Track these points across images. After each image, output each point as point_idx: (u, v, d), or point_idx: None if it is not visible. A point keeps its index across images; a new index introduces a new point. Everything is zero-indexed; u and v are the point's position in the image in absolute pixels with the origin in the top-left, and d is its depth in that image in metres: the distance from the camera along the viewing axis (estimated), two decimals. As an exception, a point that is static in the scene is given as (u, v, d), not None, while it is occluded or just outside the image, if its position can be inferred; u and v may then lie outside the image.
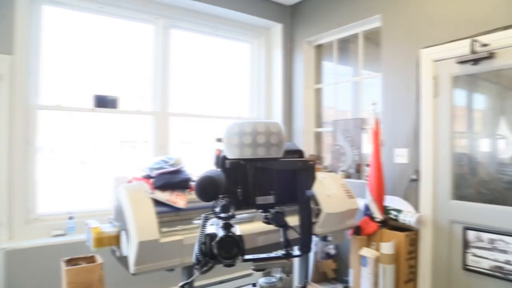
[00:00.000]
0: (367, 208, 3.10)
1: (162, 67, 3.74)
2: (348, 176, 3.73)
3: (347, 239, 3.15)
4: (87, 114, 3.37)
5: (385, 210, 3.07)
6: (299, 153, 0.89)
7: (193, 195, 2.17)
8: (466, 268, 2.78)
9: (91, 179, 3.44)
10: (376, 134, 3.09)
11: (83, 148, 3.44)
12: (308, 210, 0.84)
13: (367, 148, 3.59)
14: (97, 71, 3.44)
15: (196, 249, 0.77)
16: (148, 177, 2.12)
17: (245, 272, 3.72)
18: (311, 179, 0.86)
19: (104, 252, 2.33)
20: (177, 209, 2.07)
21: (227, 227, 0.78)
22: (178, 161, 2.19)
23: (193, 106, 4.02)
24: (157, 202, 2.04)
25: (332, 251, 3.74)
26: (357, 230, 3.06)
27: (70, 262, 2.19)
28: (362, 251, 2.98)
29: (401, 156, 3.20)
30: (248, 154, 0.79)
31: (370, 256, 2.90)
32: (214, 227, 0.81)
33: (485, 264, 2.67)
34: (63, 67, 3.29)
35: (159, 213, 1.99)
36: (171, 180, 2.06)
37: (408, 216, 2.96)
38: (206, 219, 0.79)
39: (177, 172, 2.13)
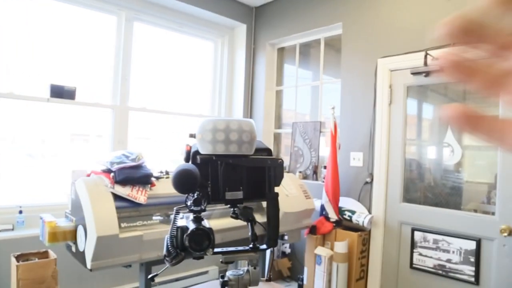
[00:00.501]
0: (323, 208, 3.21)
1: (123, 60, 3.67)
2: (305, 177, 3.83)
3: (302, 238, 3.25)
4: (41, 104, 3.23)
5: (340, 211, 3.19)
6: (268, 151, 0.93)
7: (153, 191, 2.16)
8: (413, 267, 2.95)
9: (42, 172, 3.31)
10: (334, 137, 3.20)
11: (34, 140, 3.30)
12: (276, 206, 0.88)
13: (325, 150, 3.71)
14: (55, 60, 3.32)
15: (167, 241, 0.79)
16: (108, 171, 2.09)
17: (200, 270, 3.73)
18: (280, 176, 0.90)
19: (57, 248, 2.27)
20: (137, 205, 2.05)
21: (198, 220, 0.81)
22: (139, 156, 2.17)
23: (154, 102, 3.97)
24: (117, 197, 2.02)
25: (288, 250, 3.84)
26: (313, 230, 3.16)
27: (21, 257, 2.10)
28: (316, 250, 3.08)
29: (356, 159, 3.34)
30: (220, 150, 0.82)
31: (325, 254, 3.01)
32: (184, 221, 0.84)
33: (429, 263, 2.85)
34: (17, 53, 3.14)
35: (118, 208, 1.97)
36: (132, 175, 2.03)
37: (361, 217, 3.10)
38: (178, 212, 0.81)
39: (138, 167, 2.11)
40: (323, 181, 3.33)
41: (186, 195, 0.80)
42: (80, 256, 1.98)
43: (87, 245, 1.87)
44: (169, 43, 4.11)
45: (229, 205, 0.91)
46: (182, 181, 0.73)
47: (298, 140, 3.97)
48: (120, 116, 3.63)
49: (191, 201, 0.80)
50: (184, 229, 0.79)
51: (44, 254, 2.16)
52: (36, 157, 3.32)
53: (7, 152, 3.18)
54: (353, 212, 3.16)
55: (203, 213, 0.84)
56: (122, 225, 1.96)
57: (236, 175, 0.88)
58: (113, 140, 3.60)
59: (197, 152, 0.86)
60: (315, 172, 3.78)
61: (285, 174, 3.13)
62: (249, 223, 0.88)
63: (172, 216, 0.81)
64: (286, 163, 4.15)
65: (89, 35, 3.51)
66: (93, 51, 3.54)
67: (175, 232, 0.79)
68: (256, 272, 0.86)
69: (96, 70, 3.59)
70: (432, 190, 2.98)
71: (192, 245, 0.77)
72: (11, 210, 3.00)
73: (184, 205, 0.81)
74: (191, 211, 0.81)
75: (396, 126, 3.11)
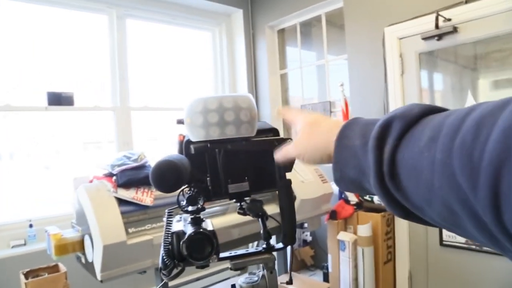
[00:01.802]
0: (341, 191, 3.06)
1: (119, 60, 3.53)
2: (320, 160, 3.67)
3: (323, 224, 3.10)
4: (42, 114, 3.13)
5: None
6: (274, 131, 0.78)
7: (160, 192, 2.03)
8: (443, 244, 2.78)
9: (52, 184, 3.23)
10: (346, 116, 3.03)
11: (43, 152, 3.23)
12: (290, 195, 0.74)
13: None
14: (49, 68, 3.20)
15: (161, 251, 0.66)
16: (110, 175, 1.96)
17: (222, 267, 3.62)
18: (291, 159, 0.75)
19: (70, 260, 2.16)
20: (144, 207, 1.92)
21: (196, 222, 0.67)
22: (141, 156, 2.04)
23: (156, 99, 3.83)
24: (122, 201, 1.89)
25: (309, 238, 3.70)
26: (333, 215, 3.01)
27: (30, 273, 2.00)
28: (339, 235, 2.93)
29: (372, 136, 3.17)
30: (215, 134, 0.67)
31: (348, 240, 2.86)
32: (182, 224, 0.70)
33: (461, 238, 2.68)
34: (9, 64, 3.04)
35: (124, 213, 1.84)
36: (135, 176, 1.90)
37: (382, 196, 2.93)
38: (170, 215, 0.67)
39: (141, 167, 1.97)
40: (339, 163, 3.16)
41: (178, 193, 0.66)
42: (90, 267, 1.86)
43: (95, 255, 1.76)
44: (165, 38, 3.96)
45: (234, 200, 0.76)
46: (162, 176, 0.59)
47: (309, 123, 3.79)
48: (122, 117, 3.51)
49: (186, 200, 0.66)
50: (180, 234, 0.65)
51: (54, 268, 2.05)
52: (48, 169, 3.26)
53: (14, 167, 3.12)
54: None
55: (215, 209, 0.70)
56: (130, 230, 1.84)
57: (239, 164, 0.73)
58: (118, 142, 3.48)
59: (190, 141, 0.71)
60: (329, 154, 3.61)
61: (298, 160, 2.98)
62: (259, 219, 0.74)
63: (164, 220, 0.67)
64: (298, 149, 3.98)
65: (81, 38, 3.38)
66: (87, 54, 3.41)
67: (169, 240, 0.65)
68: (273, 277, 0.72)
69: (92, 73, 3.47)
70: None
71: (191, 253, 0.63)
72: (22, 224, 2.92)
73: (176, 206, 0.67)
74: (185, 212, 0.67)
75: (411, 96, 2.92)
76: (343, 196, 3.04)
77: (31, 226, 2.90)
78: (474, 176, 0.33)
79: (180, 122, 0.71)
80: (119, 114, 3.50)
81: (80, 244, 1.94)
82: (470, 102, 2.65)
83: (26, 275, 1.97)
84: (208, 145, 0.69)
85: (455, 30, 2.62)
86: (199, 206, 0.67)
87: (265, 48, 4.19)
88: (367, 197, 3.01)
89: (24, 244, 2.88)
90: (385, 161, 0.44)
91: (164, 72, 3.91)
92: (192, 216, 0.68)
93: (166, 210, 0.67)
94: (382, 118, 0.48)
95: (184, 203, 0.68)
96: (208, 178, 0.72)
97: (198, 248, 0.63)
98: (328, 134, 0.56)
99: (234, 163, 0.73)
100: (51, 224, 2.42)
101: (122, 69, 3.54)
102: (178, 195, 0.67)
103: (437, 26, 2.67)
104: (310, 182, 2.72)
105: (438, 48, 2.78)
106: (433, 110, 0.45)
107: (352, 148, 0.50)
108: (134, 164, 1.95)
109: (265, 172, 0.76)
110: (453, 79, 2.85)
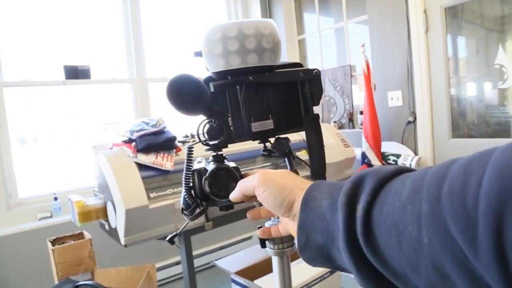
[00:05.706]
0: (364, 156, 2.98)
1: (134, 31, 3.47)
2: (340, 126, 3.59)
3: (346, 190, 3.04)
4: (60, 91, 3.15)
5: (383, 157, 2.95)
6: (298, 65, 0.72)
7: (180, 156, 2.00)
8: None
9: (74, 160, 3.28)
10: (367, 78, 2.92)
11: (65, 134, 3.28)
12: (318, 131, 0.68)
13: (358, 96, 3.44)
14: (64, 42, 3.17)
15: (183, 191, 0.61)
16: (129, 141, 1.94)
17: (244, 236, 3.63)
18: (318, 92, 0.69)
19: (94, 228, 2.18)
20: (164, 172, 1.90)
21: (218, 159, 0.62)
22: (160, 121, 2.01)
23: (173, 71, 3.78)
24: (142, 167, 1.87)
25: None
26: (356, 180, 2.94)
27: (56, 241, 2.02)
28: (363, 200, 2.87)
29: (395, 99, 3.06)
30: (235, 63, 0.62)
31: (372, 204, 2.80)
32: (204, 163, 0.65)
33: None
34: (26, 39, 3.02)
35: (145, 178, 1.83)
36: (154, 141, 1.88)
37: (407, 159, 2.85)
38: (191, 151, 0.62)
39: (160, 132, 1.94)
40: (361, 128, 3.08)
41: (198, 126, 0.62)
42: (114, 233, 1.87)
43: (118, 220, 1.76)
44: (179, 7, 3.87)
45: (258, 141, 0.71)
46: (178, 89, 0.53)
47: (329, 88, 3.70)
48: (139, 89, 3.48)
49: (206, 134, 0.61)
50: (202, 171, 0.60)
51: (80, 236, 2.07)
52: (71, 149, 3.32)
53: (39, 143, 3.18)
54: (398, 156, 2.92)
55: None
56: (151, 195, 1.82)
57: (262, 100, 0.68)
58: (136, 115, 3.47)
59: (209, 80, 0.66)
60: (350, 119, 3.53)
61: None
62: (285, 158, 0.68)
63: (185, 156, 0.62)
64: (318, 116, 3.90)
65: (95, 9, 3.33)
66: (102, 26, 3.36)
67: (190, 178, 0.60)
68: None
69: (107, 45, 3.43)
70: (476, 129, 2.68)
71: (214, 190, 0.58)
72: (47, 198, 2.97)
73: (197, 141, 0.62)
74: (206, 145, 0.62)
75: (436, 54, 2.79)
76: (366, 161, 2.97)
77: (56, 199, 2.95)
78: (471, 225, 0.28)
79: (198, 54, 0.65)
80: (136, 86, 3.47)
81: (103, 211, 1.94)
82: (500, 59, 2.50)
83: (53, 243, 2.00)
84: (229, 77, 0.63)
85: (484, -20, 2.46)
86: (220, 140, 0.62)
87: (281, 14, 4.06)
88: (390, 161, 2.93)
89: (50, 216, 2.93)
90: (359, 219, 0.38)
91: (179, 42, 3.84)
92: (214, 154, 0.63)
93: (187, 146, 0.62)
94: (352, 176, 0.43)
95: (204, 138, 0.63)
96: (229, 118, 0.66)
97: (222, 185, 0.59)
98: (296, 187, 0.51)
99: (256, 99, 0.67)
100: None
101: (137, 40, 3.48)
102: (198, 128, 0.62)
103: (465, -23, 2.51)
104: (332, 146, 2.66)
105: (465, 1, 2.62)
106: (408, 169, 0.41)
107: (319, 210, 0.45)
108: (153, 129, 1.92)
109: (290, 109, 0.70)
110: (479, 41, 2.69)
